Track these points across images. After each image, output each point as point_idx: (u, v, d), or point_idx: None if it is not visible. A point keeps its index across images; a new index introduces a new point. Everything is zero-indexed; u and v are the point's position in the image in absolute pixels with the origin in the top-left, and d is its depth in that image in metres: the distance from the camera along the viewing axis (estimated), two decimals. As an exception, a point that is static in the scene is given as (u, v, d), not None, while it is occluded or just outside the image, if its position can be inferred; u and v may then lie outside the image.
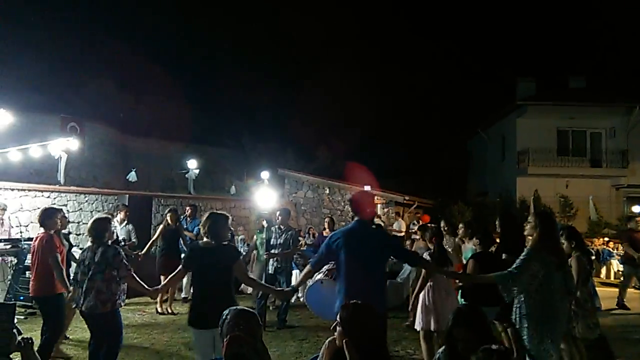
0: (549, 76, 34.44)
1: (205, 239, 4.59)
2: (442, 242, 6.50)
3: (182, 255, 8.56)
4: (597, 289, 9.40)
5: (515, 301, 4.22)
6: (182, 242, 9.48)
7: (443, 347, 3.05)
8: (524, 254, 4.24)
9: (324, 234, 9.61)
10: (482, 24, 48.03)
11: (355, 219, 4.63)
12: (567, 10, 42.03)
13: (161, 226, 9.58)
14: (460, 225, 8.01)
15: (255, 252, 9.70)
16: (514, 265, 4.19)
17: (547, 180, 21.66)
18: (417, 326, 5.97)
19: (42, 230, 5.83)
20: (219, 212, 4.98)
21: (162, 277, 8.70)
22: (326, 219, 11.28)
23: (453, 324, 2.93)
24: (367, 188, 19.21)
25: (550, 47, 44.86)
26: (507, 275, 4.15)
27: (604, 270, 14.86)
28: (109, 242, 5.10)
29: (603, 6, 35.52)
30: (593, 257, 12.66)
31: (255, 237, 9.93)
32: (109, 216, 5.57)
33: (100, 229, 5.02)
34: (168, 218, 9.41)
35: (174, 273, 4.79)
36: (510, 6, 45.28)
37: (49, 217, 5.84)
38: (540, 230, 4.29)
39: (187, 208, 10.69)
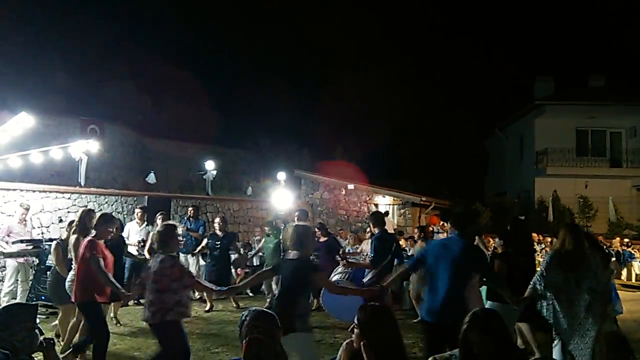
0: (568, 75, 34.08)
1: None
2: None
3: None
4: (618, 291, 9.25)
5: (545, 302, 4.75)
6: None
7: (457, 349, 3.04)
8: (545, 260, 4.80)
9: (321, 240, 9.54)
10: (500, 23, 47.67)
11: (456, 232, 4.82)
12: (585, 8, 41.53)
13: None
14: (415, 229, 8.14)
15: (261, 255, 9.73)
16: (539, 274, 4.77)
17: (566, 181, 21.41)
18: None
19: (92, 234, 5.65)
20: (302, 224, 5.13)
21: None
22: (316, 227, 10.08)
23: (468, 327, 2.92)
24: (351, 187, 19.36)
25: (569, 46, 44.36)
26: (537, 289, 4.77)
27: (624, 272, 14.65)
28: (175, 250, 5.05)
29: (622, 4, 35.02)
30: (613, 259, 12.52)
31: (262, 239, 9.96)
32: (176, 223, 5.46)
33: (166, 236, 4.91)
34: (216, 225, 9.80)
35: (258, 274, 5.14)
36: (529, 5, 44.85)
37: (104, 223, 5.70)
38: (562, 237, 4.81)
39: (190, 209, 10.79)
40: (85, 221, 5.97)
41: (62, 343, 6.19)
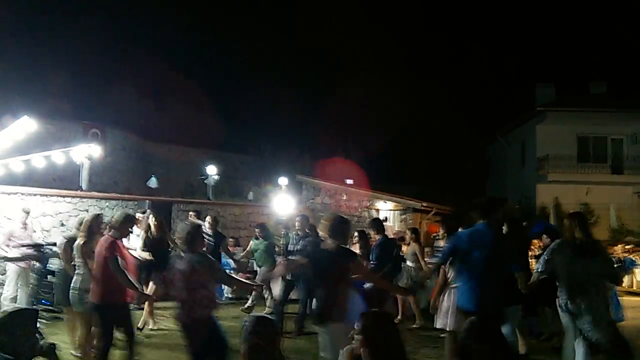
0: (569, 82, 34.10)
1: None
2: None
3: None
4: (619, 298, 9.23)
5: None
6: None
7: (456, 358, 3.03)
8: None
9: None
10: (501, 29, 47.76)
11: (482, 222, 4.93)
12: (587, 14, 41.63)
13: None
14: (407, 232, 8.30)
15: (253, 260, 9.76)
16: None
17: (567, 187, 21.37)
18: (439, 325, 6.11)
19: (109, 233, 5.59)
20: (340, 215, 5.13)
21: None
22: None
23: (465, 336, 2.91)
24: (350, 181, 19.44)
25: (571, 53, 44.40)
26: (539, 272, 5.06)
27: (626, 279, 14.60)
28: (201, 249, 5.04)
29: (624, 11, 35.09)
30: (615, 266, 12.48)
31: (250, 243, 9.94)
32: (201, 223, 5.43)
33: (193, 235, 4.91)
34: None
35: (290, 263, 5.27)
36: (530, 11, 44.98)
37: (126, 223, 5.64)
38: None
39: (191, 213, 10.84)
40: (93, 226, 5.91)
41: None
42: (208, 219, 10.00)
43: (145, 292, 5.51)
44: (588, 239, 5.03)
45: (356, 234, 9.22)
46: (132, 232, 6.04)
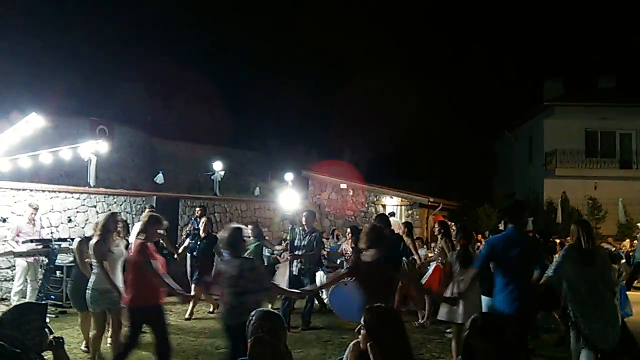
0: (578, 76, 33.87)
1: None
2: (469, 244, 6.70)
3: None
4: (627, 293, 9.20)
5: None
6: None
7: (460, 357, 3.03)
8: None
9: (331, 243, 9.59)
10: (509, 24, 47.48)
11: (511, 226, 5.12)
12: (595, 8, 41.29)
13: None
14: (453, 228, 8.19)
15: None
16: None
17: (575, 182, 21.26)
18: (441, 316, 6.17)
19: (140, 237, 5.45)
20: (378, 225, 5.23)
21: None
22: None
23: (469, 334, 2.91)
24: (344, 186, 19.45)
25: (579, 47, 44.10)
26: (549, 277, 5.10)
27: (635, 274, 14.50)
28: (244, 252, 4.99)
29: (632, 4, 34.75)
30: (623, 261, 12.43)
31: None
32: (242, 226, 5.26)
33: (235, 239, 4.83)
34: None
35: (335, 276, 5.13)
36: (537, 6, 44.65)
37: (154, 224, 5.48)
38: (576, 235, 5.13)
39: (197, 209, 10.82)
40: (109, 225, 5.80)
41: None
42: (203, 220, 9.57)
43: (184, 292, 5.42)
44: (594, 247, 5.15)
45: (349, 229, 9.28)
46: (162, 233, 5.84)
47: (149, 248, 5.35)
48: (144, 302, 5.22)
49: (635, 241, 14.70)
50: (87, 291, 5.75)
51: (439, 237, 8.01)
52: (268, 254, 10.60)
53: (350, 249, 8.84)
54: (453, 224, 8.95)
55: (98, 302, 5.70)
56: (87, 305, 5.93)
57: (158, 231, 5.57)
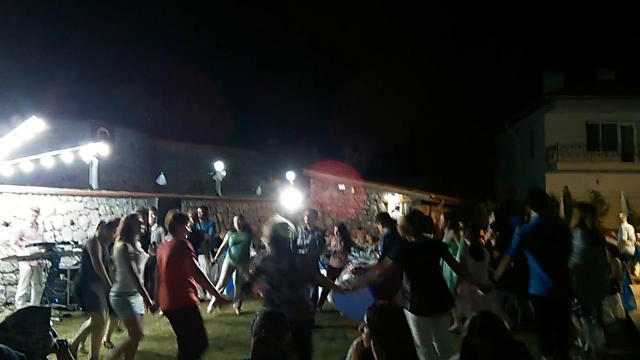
0: (578, 69, 33.86)
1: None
2: (478, 238, 7.38)
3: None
4: (630, 286, 9.20)
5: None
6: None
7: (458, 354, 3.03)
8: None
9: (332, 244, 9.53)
10: (508, 18, 47.40)
11: (535, 214, 5.36)
12: (594, 1, 41.20)
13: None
14: (441, 217, 8.66)
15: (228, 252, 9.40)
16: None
17: (577, 176, 21.20)
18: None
19: (169, 236, 5.31)
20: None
21: None
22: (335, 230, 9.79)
23: (468, 333, 2.91)
24: (343, 186, 19.44)
25: (579, 40, 44.02)
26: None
27: (638, 268, 14.50)
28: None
29: (633, -4, 34.65)
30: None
31: (227, 236, 9.58)
32: (288, 222, 4.90)
33: (283, 237, 4.70)
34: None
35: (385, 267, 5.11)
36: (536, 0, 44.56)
37: (180, 222, 5.31)
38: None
39: (199, 210, 10.82)
40: (133, 227, 5.59)
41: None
42: (236, 218, 9.70)
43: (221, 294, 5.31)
44: (598, 227, 5.77)
45: (336, 228, 9.31)
46: (188, 231, 5.55)
47: (186, 244, 5.19)
48: (184, 303, 5.07)
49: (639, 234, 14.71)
50: (113, 298, 5.51)
51: (446, 229, 8.20)
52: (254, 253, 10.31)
53: (339, 246, 8.96)
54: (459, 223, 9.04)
55: (126, 308, 5.43)
56: (99, 303, 5.94)
57: (186, 228, 5.40)
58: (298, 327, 4.24)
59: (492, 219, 7.69)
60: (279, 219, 4.93)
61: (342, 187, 19.64)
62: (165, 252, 5.16)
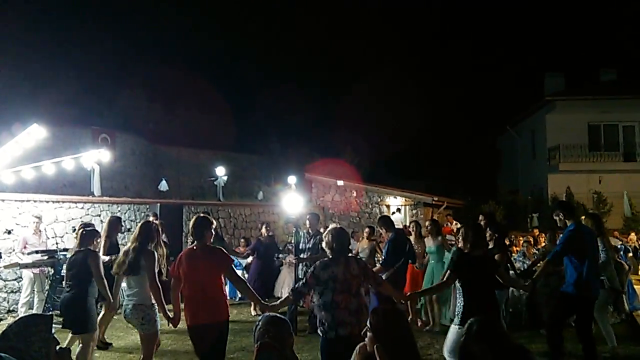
0: (579, 70, 33.82)
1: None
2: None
3: None
4: (634, 287, 9.16)
5: None
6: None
7: None
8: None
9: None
10: (509, 19, 47.42)
11: (572, 222, 5.68)
12: (595, 2, 41.21)
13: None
14: (427, 223, 8.54)
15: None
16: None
17: (579, 177, 21.20)
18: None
19: (196, 242, 4.91)
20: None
21: None
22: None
23: (466, 338, 2.90)
24: (341, 186, 19.41)
25: (579, 40, 44.01)
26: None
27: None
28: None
29: (632, -4, 34.64)
30: (630, 254, 12.37)
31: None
32: (340, 226, 4.70)
33: (345, 239, 4.48)
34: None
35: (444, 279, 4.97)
36: (537, 1, 44.59)
37: (206, 227, 4.89)
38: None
39: (201, 215, 10.86)
40: (152, 232, 5.34)
41: None
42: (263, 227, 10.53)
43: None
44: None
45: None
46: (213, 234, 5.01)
47: (221, 252, 4.89)
48: (224, 317, 4.72)
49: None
50: (153, 310, 5.14)
51: (431, 236, 8.14)
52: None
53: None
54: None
55: (154, 322, 5.13)
56: (94, 325, 5.65)
57: (212, 233, 4.96)
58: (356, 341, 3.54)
59: (483, 222, 7.38)
60: (335, 225, 4.84)
61: (341, 185, 19.64)
62: (199, 260, 4.71)
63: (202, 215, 5.23)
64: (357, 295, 4.24)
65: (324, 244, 4.54)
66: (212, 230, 4.94)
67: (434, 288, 6.55)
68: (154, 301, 5.08)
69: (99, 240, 6.03)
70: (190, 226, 4.96)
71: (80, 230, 6.01)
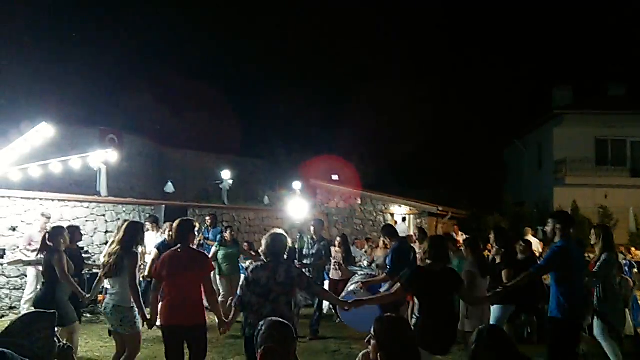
0: (587, 84, 33.74)
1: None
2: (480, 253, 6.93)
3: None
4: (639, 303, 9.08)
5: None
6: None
7: None
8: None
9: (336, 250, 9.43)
10: (518, 32, 47.43)
11: (563, 236, 5.15)
12: (604, 16, 41.16)
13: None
14: (414, 232, 8.48)
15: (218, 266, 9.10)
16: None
17: (585, 191, 21.10)
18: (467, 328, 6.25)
19: (179, 245, 4.88)
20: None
21: None
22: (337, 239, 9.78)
23: (475, 346, 2.88)
24: (335, 177, 19.37)
25: (588, 54, 43.93)
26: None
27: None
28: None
29: (643, 12, 34.64)
30: (635, 270, 12.28)
31: (214, 248, 9.39)
32: (284, 233, 4.74)
33: (279, 245, 4.58)
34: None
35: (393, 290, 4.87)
36: (546, 14, 44.60)
37: (189, 230, 4.93)
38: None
39: (207, 218, 10.84)
40: (137, 233, 5.32)
41: None
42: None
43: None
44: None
45: (338, 238, 9.25)
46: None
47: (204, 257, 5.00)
48: (203, 320, 4.78)
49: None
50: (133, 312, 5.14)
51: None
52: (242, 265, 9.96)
53: (340, 257, 8.97)
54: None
55: (132, 323, 5.15)
56: (68, 319, 5.57)
57: (195, 235, 5.04)
58: None
59: (492, 236, 7.31)
60: (276, 230, 4.79)
61: (335, 177, 19.61)
62: (183, 263, 4.74)
63: (185, 218, 5.32)
64: (274, 302, 4.34)
65: (261, 249, 4.69)
66: (195, 233, 5.06)
67: (379, 298, 5.52)
68: (133, 303, 5.08)
69: (67, 236, 5.87)
70: (174, 229, 5.00)
71: (45, 233, 6.10)
